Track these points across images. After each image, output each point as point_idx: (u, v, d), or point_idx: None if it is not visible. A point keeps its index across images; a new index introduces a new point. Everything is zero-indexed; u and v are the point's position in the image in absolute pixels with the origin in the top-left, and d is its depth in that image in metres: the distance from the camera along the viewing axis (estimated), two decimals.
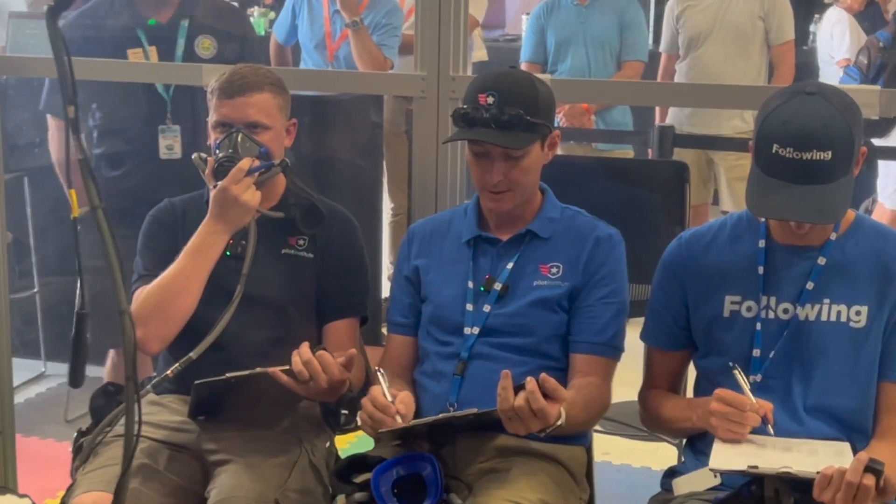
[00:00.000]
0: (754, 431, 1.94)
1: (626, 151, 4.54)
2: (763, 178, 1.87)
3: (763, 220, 2.02)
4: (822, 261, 1.97)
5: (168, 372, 2.13)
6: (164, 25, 3.08)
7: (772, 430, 1.90)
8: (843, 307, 1.96)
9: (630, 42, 4.48)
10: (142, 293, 2.20)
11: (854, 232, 2.00)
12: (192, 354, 2.12)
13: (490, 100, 2.05)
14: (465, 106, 2.09)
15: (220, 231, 2.18)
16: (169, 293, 2.17)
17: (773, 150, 1.84)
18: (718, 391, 1.92)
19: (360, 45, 3.99)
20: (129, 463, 1.46)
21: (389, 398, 1.96)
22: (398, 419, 1.94)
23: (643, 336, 2.16)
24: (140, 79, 3.00)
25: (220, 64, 2.67)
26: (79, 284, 1.66)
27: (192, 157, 2.26)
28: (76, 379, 1.98)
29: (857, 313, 1.95)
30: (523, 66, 4.60)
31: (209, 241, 2.18)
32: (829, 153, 1.82)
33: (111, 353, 3.26)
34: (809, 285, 1.97)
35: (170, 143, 3.02)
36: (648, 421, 2.18)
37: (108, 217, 1.43)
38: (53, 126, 3.21)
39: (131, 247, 2.30)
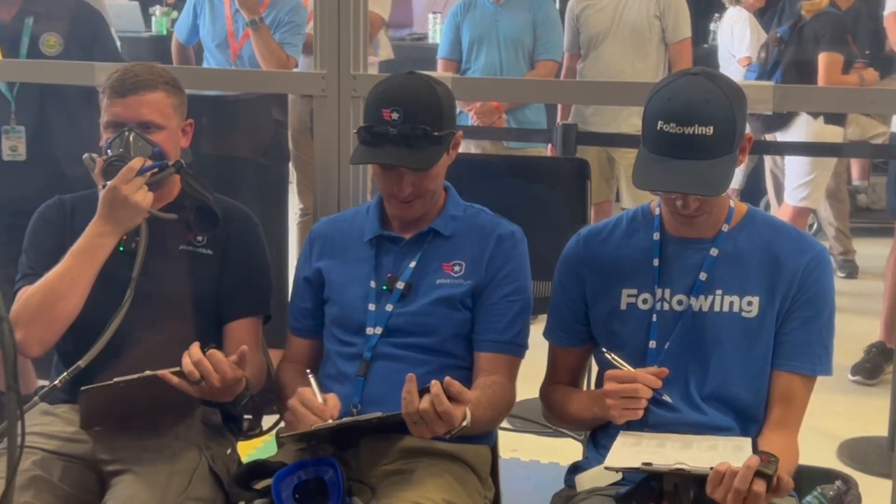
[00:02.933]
0: (657, 424, 1.96)
1: (539, 150, 4.57)
2: (648, 155, 1.90)
3: (657, 212, 2.04)
4: (714, 252, 1.99)
5: (56, 382, 2.06)
6: (7, 23, 2.99)
7: (668, 398, 1.94)
8: (735, 298, 1.98)
9: (543, 41, 4.50)
10: (24, 294, 2.13)
11: (746, 224, 2.02)
12: (81, 363, 2.06)
13: (395, 115, 2.02)
14: (369, 122, 2.06)
15: (109, 233, 2.11)
16: (52, 295, 2.10)
17: (658, 127, 1.87)
18: (608, 372, 1.96)
19: (262, 44, 3.94)
20: (12, 477, 1.39)
21: (321, 399, 1.96)
22: (329, 420, 1.92)
23: (546, 334, 2.16)
24: (26, 79, 2.91)
25: (70, 61, 2.60)
26: None
27: (84, 157, 2.19)
28: None
29: (749, 304, 1.98)
30: (439, 64, 4.61)
31: (97, 243, 2.11)
32: (711, 128, 1.85)
33: None
34: (702, 276, 1.99)
35: (14, 145, 2.94)
36: (551, 415, 2.19)
37: None
38: None
39: None
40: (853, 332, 4.33)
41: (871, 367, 4.17)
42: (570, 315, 2.11)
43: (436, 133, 2.04)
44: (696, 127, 1.85)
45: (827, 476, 2.58)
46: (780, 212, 4.99)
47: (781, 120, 4.64)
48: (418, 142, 2.02)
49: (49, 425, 2.12)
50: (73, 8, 3.17)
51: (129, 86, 2.15)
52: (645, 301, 2.02)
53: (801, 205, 4.93)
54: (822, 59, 4.59)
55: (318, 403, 1.96)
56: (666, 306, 2.00)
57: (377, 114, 2.04)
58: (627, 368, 1.95)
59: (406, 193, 2.07)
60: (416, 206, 2.11)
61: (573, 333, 2.12)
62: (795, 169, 4.97)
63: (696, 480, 1.77)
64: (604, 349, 2.02)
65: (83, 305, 2.11)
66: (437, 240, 2.15)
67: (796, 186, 4.94)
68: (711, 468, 1.72)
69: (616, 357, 1.98)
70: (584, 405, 2.06)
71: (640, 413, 1.92)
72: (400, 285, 2.13)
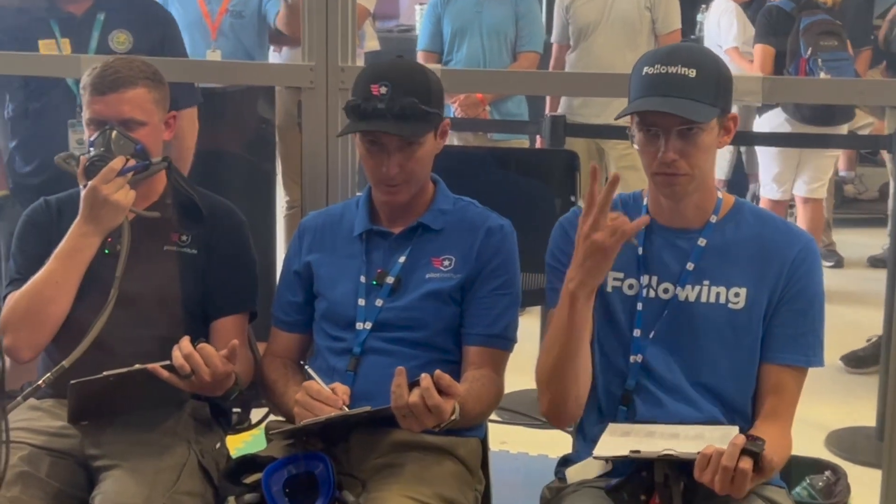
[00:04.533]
0: (643, 417, 1.96)
1: (522, 142, 4.56)
2: (632, 101, 1.92)
3: (645, 200, 2.04)
4: (702, 242, 1.99)
5: (40, 381, 2.05)
6: (78, 17, 2.99)
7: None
8: (722, 289, 1.98)
9: (525, 33, 4.50)
10: (11, 299, 2.12)
11: (734, 215, 2.02)
12: (65, 363, 2.05)
13: (383, 90, 2.02)
14: (355, 98, 2.05)
15: (91, 233, 2.11)
16: (39, 300, 2.10)
17: (643, 72, 1.91)
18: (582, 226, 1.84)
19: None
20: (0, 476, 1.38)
21: (327, 389, 1.96)
22: (344, 408, 1.93)
23: (548, 304, 2.07)
24: (16, 71, 2.89)
25: (56, 54, 2.59)
26: None
27: (55, 158, 2.18)
28: None
29: (736, 295, 1.98)
30: (419, 56, 4.59)
31: (79, 245, 2.11)
32: (694, 71, 1.88)
33: None
34: (690, 266, 1.99)
35: (80, 138, 2.92)
36: (545, 392, 1.97)
37: None
38: None
39: None
40: (844, 323, 4.36)
41: (863, 357, 4.21)
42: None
43: (424, 107, 2.03)
44: (680, 67, 1.88)
45: (816, 466, 2.59)
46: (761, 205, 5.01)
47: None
48: (406, 115, 2.02)
49: (36, 420, 2.12)
50: (145, 8, 3.17)
51: (109, 83, 2.14)
52: (630, 287, 2.01)
53: (777, 197, 4.96)
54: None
55: (327, 392, 1.96)
56: (652, 293, 2.00)
57: (365, 89, 2.04)
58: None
59: (392, 173, 2.05)
60: (403, 191, 2.10)
61: None
62: (768, 163, 4.99)
63: (686, 471, 1.78)
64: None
65: (70, 307, 2.10)
66: (426, 234, 2.15)
67: (772, 179, 4.97)
68: (699, 453, 1.73)
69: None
70: (560, 316, 1.90)
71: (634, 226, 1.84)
72: (390, 280, 2.12)
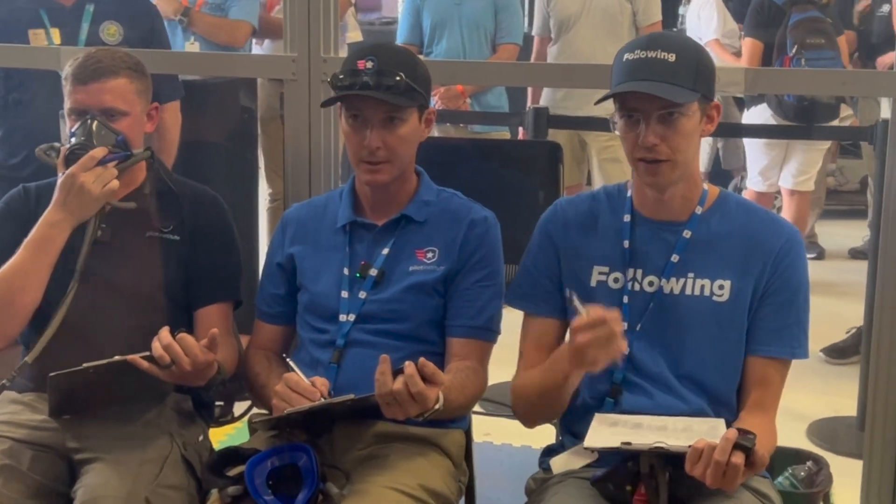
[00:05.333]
0: (630, 408, 1.96)
1: (503, 133, 4.56)
2: (613, 87, 1.92)
3: (629, 192, 2.04)
4: (687, 234, 1.99)
5: (5, 380, 2.04)
6: (68, 8, 2.97)
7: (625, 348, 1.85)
8: (706, 281, 1.98)
9: (505, 25, 4.50)
10: None
11: (719, 207, 2.02)
12: (28, 359, 2.04)
13: (369, 64, 2.01)
14: (341, 75, 2.04)
15: (62, 221, 2.08)
16: (9, 290, 2.07)
17: (624, 59, 1.92)
18: (575, 325, 1.80)
19: (203, 28, 3.96)
20: None
21: (307, 381, 1.95)
22: (321, 399, 1.92)
23: (513, 300, 2.09)
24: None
25: (34, 46, 2.58)
26: None
27: (36, 150, 2.16)
28: None
29: (721, 287, 1.97)
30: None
31: (49, 234, 2.08)
32: (674, 55, 1.88)
33: None
34: (675, 258, 1.99)
35: None
36: (522, 408, 2.05)
37: None
38: None
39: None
40: (825, 314, 4.37)
41: (844, 348, 4.23)
42: (546, 280, 2.05)
43: (410, 83, 2.02)
44: (659, 52, 1.88)
45: (798, 457, 2.60)
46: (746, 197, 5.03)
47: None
48: (391, 88, 2.01)
49: (17, 414, 2.10)
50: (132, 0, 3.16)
51: (91, 72, 2.12)
52: (616, 280, 2.02)
53: (763, 189, 4.98)
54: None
55: (306, 384, 1.95)
56: (637, 287, 2.00)
57: (351, 64, 2.03)
58: (585, 313, 1.80)
59: (374, 146, 2.03)
60: (384, 170, 2.07)
61: (550, 301, 2.05)
62: (755, 155, 5.01)
63: (672, 461, 1.78)
64: (568, 291, 1.95)
65: (45, 296, 2.08)
66: (409, 226, 2.14)
67: (758, 172, 4.99)
68: (690, 446, 1.73)
69: (578, 300, 1.84)
70: (550, 373, 1.94)
71: (623, 346, 1.81)
72: (373, 272, 2.12)
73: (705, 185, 2.04)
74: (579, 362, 1.83)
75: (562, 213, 2.09)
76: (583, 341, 1.78)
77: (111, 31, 2.95)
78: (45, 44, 2.94)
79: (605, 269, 2.02)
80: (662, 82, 1.86)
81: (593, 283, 2.02)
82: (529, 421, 2.09)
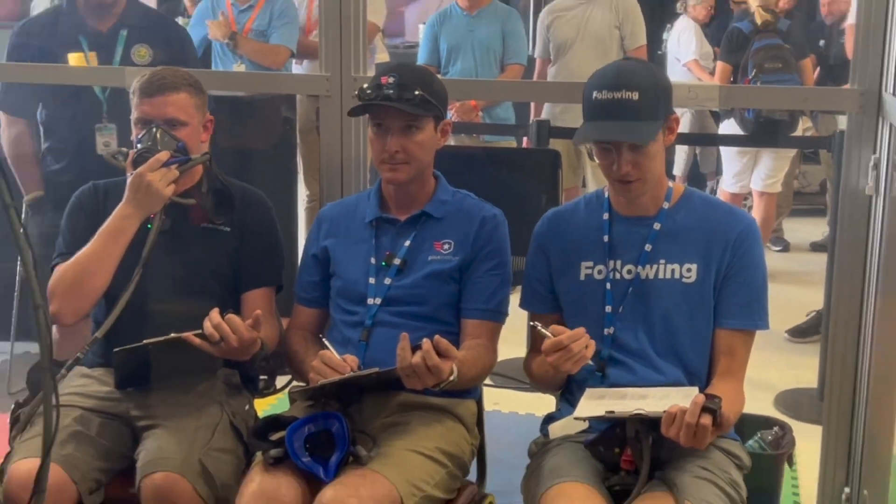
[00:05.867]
0: (617, 382, 1.95)
1: (510, 142, 4.54)
2: (587, 123, 1.93)
3: (607, 195, 2.04)
4: (657, 226, 1.99)
5: (78, 354, 2.03)
6: (104, 33, 2.95)
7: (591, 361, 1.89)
8: (676, 266, 1.97)
9: (511, 48, 4.47)
10: (59, 270, 2.10)
11: (685, 202, 2.02)
12: (98, 334, 2.03)
13: (391, 80, 2.01)
14: (367, 90, 2.03)
15: (132, 215, 2.08)
16: (82, 273, 2.07)
17: (593, 97, 1.90)
18: (542, 347, 1.86)
19: (249, 51, 3.95)
20: (49, 445, 1.39)
21: (338, 358, 1.95)
22: (350, 372, 1.92)
23: (522, 305, 2.13)
24: (70, 81, 2.87)
25: (101, 66, 2.59)
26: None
27: (104, 154, 2.16)
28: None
29: (689, 270, 1.97)
30: None
31: (121, 226, 2.08)
32: (637, 94, 1.87)
33: (54, 329, 3.11)
34: (648, 248, 1.99)
35: (107, 140, 2.92)
36: (535, 384, 2.14)
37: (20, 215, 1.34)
38: (4, 121, 3.09)
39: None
40: (789, 299, 4.35)
41: (805, 329, 4.21)
42: (540, 286, 2.09)
43: (426, 96, 2.02)
44: (624, 92, 1.87)
45: (766, 423, 2.59)
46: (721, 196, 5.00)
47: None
48: (410, 99, 2.00)
49: (87, 386, 2.11)
50: (163, 25, 3.15)
51: (156, 87, 2.11)
52: (600, 272, 2.01)
53: (735, 191, 4.96)
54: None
55: (338, 360, 1.95)
56: (618, 275, 2.00)
57: (376, 80, 2.03)
58: (550, 335, 1.86)
59: (393, 149, 2.02)
60: (403, 170, 2.06)
61: (546, 301, 2.09)
62: (730, 159, 4.99)
63: (655, 427, 1.77)
64: (530, 322, 2.00)
65: (114, 280, 2.08)
66: (429, 221, 2.13)
67: (732, 175, 4.97)
68: (665, 411, 1.73)
69: (541, 327, 1.90)
70: (546, 366, 1.97)
71: (587, 356, 1.85)
72: (397, 261, 2.11)
73: (670, 184, 2.04)
74: (557, 370, 1.89)
75: (549, 224, 2.10)
76: (552, 361, 1.85)
77: (141, 53, 2.94)
78: (83, 65, 2.93)
79: (590, 264, 2.02)
80: (628, 121, 1.87)
81: (582, 278, 2.02)
82: (540, 390, 2.16)
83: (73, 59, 2.88)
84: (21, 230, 1.25)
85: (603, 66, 1.95)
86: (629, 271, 1.99)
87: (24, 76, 2.83)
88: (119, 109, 2.88)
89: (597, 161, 1.96)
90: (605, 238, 2.01)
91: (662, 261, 1.98)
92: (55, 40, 2.97)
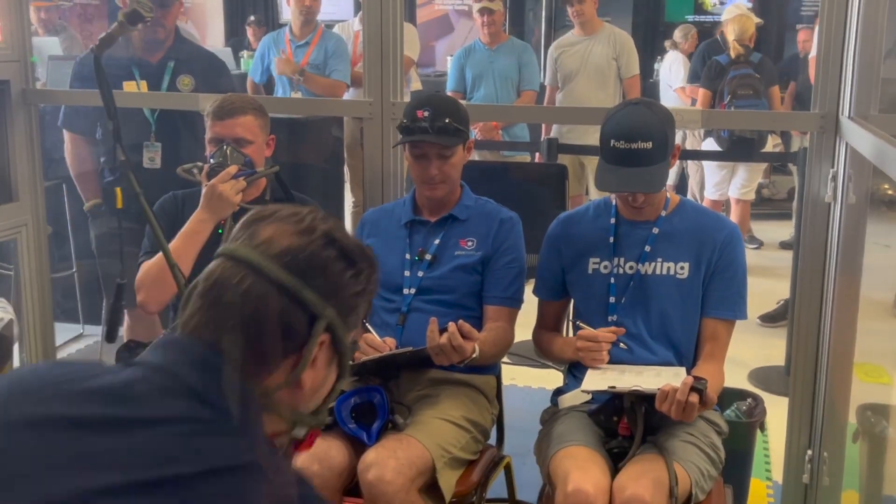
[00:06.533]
0: (616, 360, 1.93)
1: (524, 157, 4.51)
2: (605, 166, 1.89)
3: (614, 202, 2.03)
4: (655, 230, 1.98)
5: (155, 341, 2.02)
6: (154, 64, 2.94)
7: (623, 345, 1.93)
8: (671, 264, 1.96)
9: (526, 76, 4.45)
10: (145, 266, 2.10)
11: (679, 210, 2.01)
12: (176, 324, 2.01)
13: (426, 113, 2.00)
14: (405, 120, 2.03)
15: (207, 220, 2.07)
16: (164, 268, 2.06)
17: (612, 145, 1.87)
18: (580, 332, 1.94)
19: (314, 87, 3.93)
20: None
21: (378, 339, 1.95)
22: (388, 351, 1.92)
23: (534, 292, 2.13)
24: (149, 105, 2.87)
25: (180, 92, 2.59)
26: (121, 262, 1.55)
27: (178, 170, 2.15)
28: (112, 335, 1.87)
29: (682, 268, 1.96)
30: (448, 94, 4.53)
31: (197, 228, 2.08)
32: (650, 143, 1.84)
33: (125, 314, 3.12)
34: (647, 248, 1.97)
35: (151, 156, 2.91)
36: (539, 352, 2.16)
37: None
38: (68, 139, 3.06)
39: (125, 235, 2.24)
40: (761, 290, 4.29)
41: (775, 315, 4.15)
42: (552, 279, 2.07)
43: (456, 125, 2.01)
44: (639, 143, 1.84)
45: (741, 395, 2.56)
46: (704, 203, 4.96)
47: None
48: (442, 131, 2.00)
49: None
50: (205, 59, 3.13)
51: (227, 111, 2.11)
52: (605, 267, 2.00)
53: (716, 198, 4.91)
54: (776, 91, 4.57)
55: (378, 341, 1.94)
56: (620, 271, 1.98)
57: (412, 113, 2.02)
58: (591, 331, 1.94)
59: (433, 174, 2.03)
60: (440, 188, 2.06)
61: (554, 291, 2.09)
62: (713, 170, 4.95)
63: (648, 398, 1.75)
64: (576, 322, 2.01)
65: (191, 275, 2.07)
66: (455, 222, 2.11)
67: (714, 184, 4.91)
68: (659, 388, 1.71)
69: (584, 325, 1.96)
70: (562, 349, 2.04)
71: (604, 359, 1.92)
72: (428, 257, 2.09)
73: (669, 194, 2.02)
74: (575, 355, 1.96)
75: (561, 225, 2.09)
76: (580, 346, 1.93)
77: (185, 82, 2.91)
78: (135, 91, 2.90)
79: (598, 260, 2.00)
80: (643, 166, 1.85)
81: (590, 271, 2.01)
82: (540, 357, 2.18)
83: (127, 87, 2.87)
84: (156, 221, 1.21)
85: (617, 112, 1.89)
86: (631, 267, 1.97)
87: (127, 101, 2.82)
88: (166, 130, 2.88)
89: (614, 198, 1.99)
90: (611, 239, 1.99)
91: (660, 259, 1.96)
92: (111, 71, 2.96)
